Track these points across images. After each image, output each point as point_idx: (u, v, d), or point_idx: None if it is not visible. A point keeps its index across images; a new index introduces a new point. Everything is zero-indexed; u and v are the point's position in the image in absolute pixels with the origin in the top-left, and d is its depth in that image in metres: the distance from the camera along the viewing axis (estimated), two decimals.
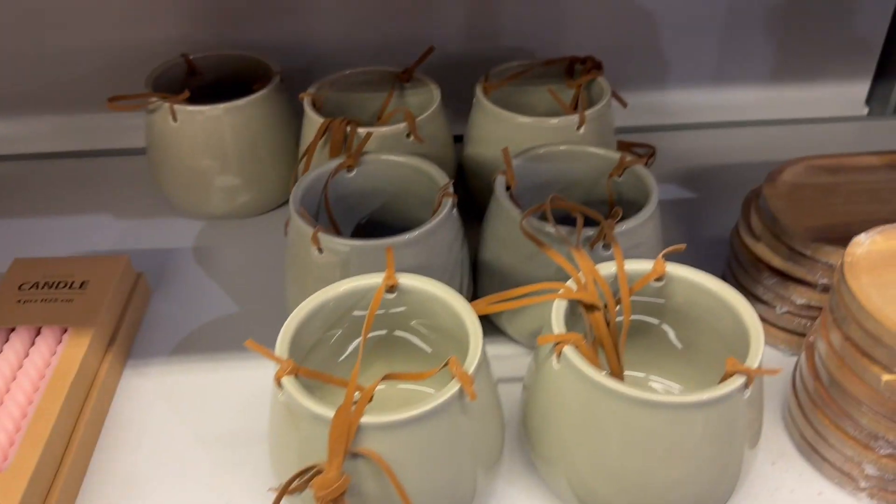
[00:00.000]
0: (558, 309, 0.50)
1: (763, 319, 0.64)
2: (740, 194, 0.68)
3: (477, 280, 0.66)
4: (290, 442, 0.47)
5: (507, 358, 0.64)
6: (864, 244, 0.52)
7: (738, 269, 0.65)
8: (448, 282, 0.61)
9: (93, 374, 0.59)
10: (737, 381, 0.44)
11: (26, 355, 0.58)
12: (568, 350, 0.47)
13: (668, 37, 0.89)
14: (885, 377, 0.47)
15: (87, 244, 0.76)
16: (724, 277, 0.65)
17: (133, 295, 0.67)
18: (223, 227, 0.79)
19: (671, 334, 0.57)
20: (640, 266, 0.53)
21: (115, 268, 0.65)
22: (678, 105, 0.94)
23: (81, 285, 0.63)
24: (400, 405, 0.44)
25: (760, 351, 0.46)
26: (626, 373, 0.59)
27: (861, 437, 0.51)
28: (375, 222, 0.69)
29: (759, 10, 0.89)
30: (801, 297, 0.60)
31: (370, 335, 0.56)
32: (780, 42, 0.92)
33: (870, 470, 0.51)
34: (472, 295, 0.67)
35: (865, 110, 0.98)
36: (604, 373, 0.45)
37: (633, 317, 0.56)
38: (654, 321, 0.56)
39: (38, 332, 0.60)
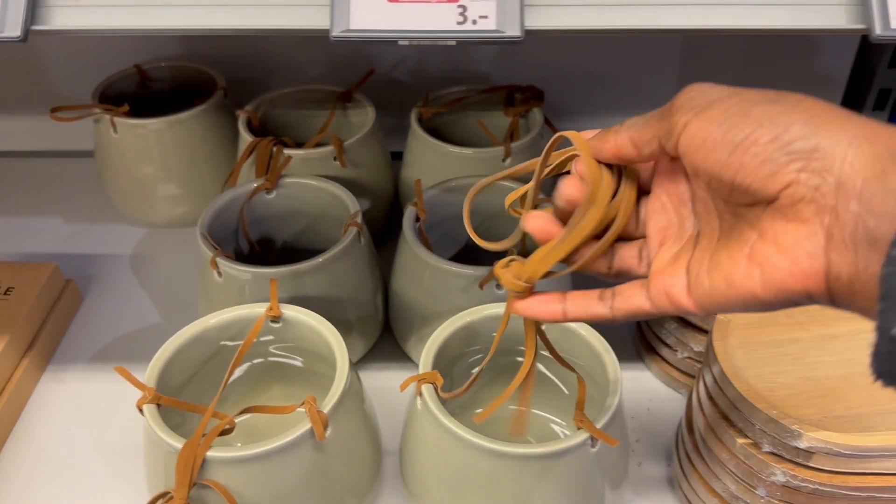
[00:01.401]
0: (428, 351, 0.51)
1: (666, 362, 0.65)
2: None
3: (388, 306, 0.68)
4: (155, 466, 0.49)
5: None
6: None
7: None
8: (356, 309, 0.63)
9: (5, 379, 0.62)
10: (580, 437, 0.45)
11: None
12: (426, 389, 0.48)
13: (626, 68, 0.89)
14: (740, 441, 0.48)
15: (27, 246, 0.79)
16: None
17: (59, 301, 0.69)
18: (162, 235, 0.81)
19: (556, 380, 0.57)
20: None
21: (41, 275, 0.68)
22: None
23: (7, 291, 0.66)
24: (280, 433, 0.45)
25: (611, 409, 0.46)
26: (534, 411, 0.59)
27: (726, 495, 0.51)
28: (301, 242, 0.71)
29: (718, 43, 0.88)
30: (697, 343, 0.60)
31: (261, 361, 0.57)
32: (742, 77, 0.90)
33: None
34: (384, 321, 0.68)
35: None
36: (455, 423, 0.46)
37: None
38: (542, 368, 0.57)
39: None
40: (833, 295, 0.28)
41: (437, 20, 0.35)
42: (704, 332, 0.60)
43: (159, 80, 0.83)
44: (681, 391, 0.64)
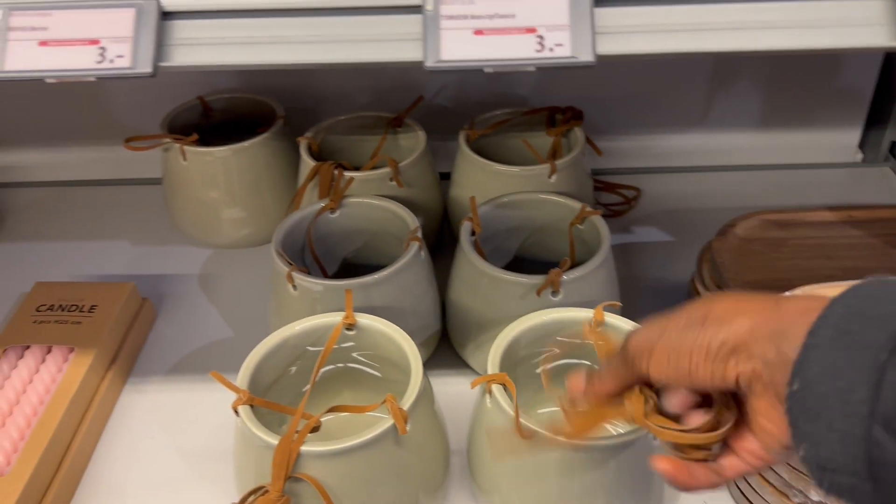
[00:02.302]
0: (495, 352, 0.55)
1: None
2: None
3: (445, 317, 0.72)
4: (247, 463, 0.53)
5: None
6: None
7: None
8: (417, 318, 0.67)
9: (93, 390, 0.66)
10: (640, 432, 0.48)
11: (36, 371, 0.66)
12: (496, 389, 0.51)
13: (659, 86, 0.93)
14: None
15: (103, 267, 0.84)
16: None
17: (137, 318, 0.74)
18: (228, 256, 0.86)
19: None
20: (579, 314, 0.58)
21: (121, 294, 0.72)
22: (667, 148, 0.98)
23: (91, 309, 0.71)
24: (355, 433, 0.49)
25: None
26: None
27: (779, 485, 0.54)
28: (360, 259, 0.75)
29: (746, 60, 0.92)
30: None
31: (330, 367, 0.62)
32: (769, 91, 0.94)
33: None
34: (442, 330, 0.72)
35: (859, 156, 0.99)
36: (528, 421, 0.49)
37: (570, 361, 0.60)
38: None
39: (48, 351, 0.68)
40: None
41: (518, 49, 0.40)
42: None
43: (220, 111, 0.88)
44: None
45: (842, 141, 0.98)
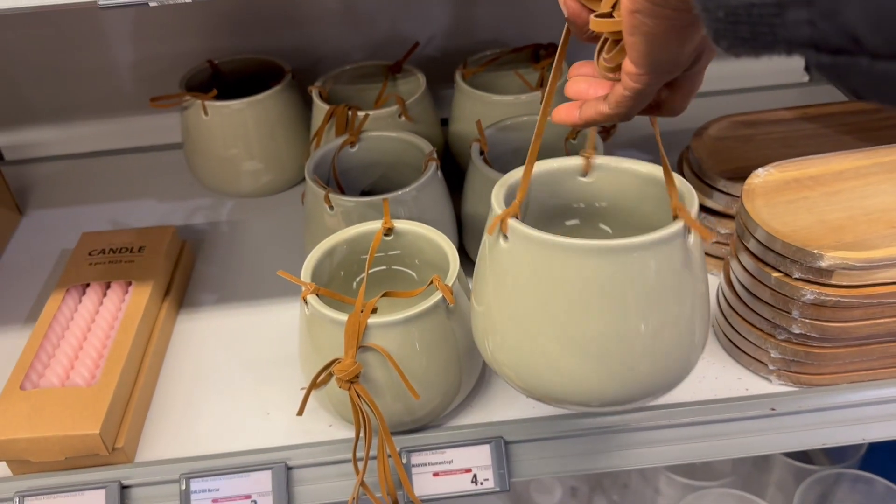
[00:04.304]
0: (497, 193, 0.52)
1: None
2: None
3: (461, 230, 0.80)
4: (314, 348, 0.61)
5: None
6: (761, 176, 0.65)
7: None
8: (439, 229, 0.75)
9: (154, 317, 0.73)
10: (679, 224, 0.46)
11: (101, 304, 0.73)
12: (513, 222, 0.48)
13: None
14: (774, 275, 0.61)
15: (137, 223, 0.91)
16: None
17: (181, 258, 0.81)
18: (250, 203, 0.93)
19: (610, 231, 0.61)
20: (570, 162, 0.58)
21: (164, 235, 0.79)
22: None
23: (139, 249, 0.78)
24: None
25: (695, 204, 0.49)
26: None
27: (765, 327, 0.64)
28: (377, 190, 0.83)
29: None
30: (723, 227, 0.74)
31: (374, 270, 0.70)
32: None
33: (774, 353, 0.64)
34: (459, 243, 0.80)
35: (806, 77, 1.11)
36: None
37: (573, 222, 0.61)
38: (596, 224, 0.60)
39: (108, 287, 0.74)
40: None
41: None
42: (726, 216, 0.73)
43: (229, 73, 0.95)
44: (713, 272, 0.77)
45: (790, 64, 1.09)
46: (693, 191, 0.50)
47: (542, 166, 0.55)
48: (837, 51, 0.25)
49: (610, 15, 0.39)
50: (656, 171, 0.52)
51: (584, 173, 0.56)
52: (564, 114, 0.42)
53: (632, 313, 0.46)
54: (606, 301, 0.46)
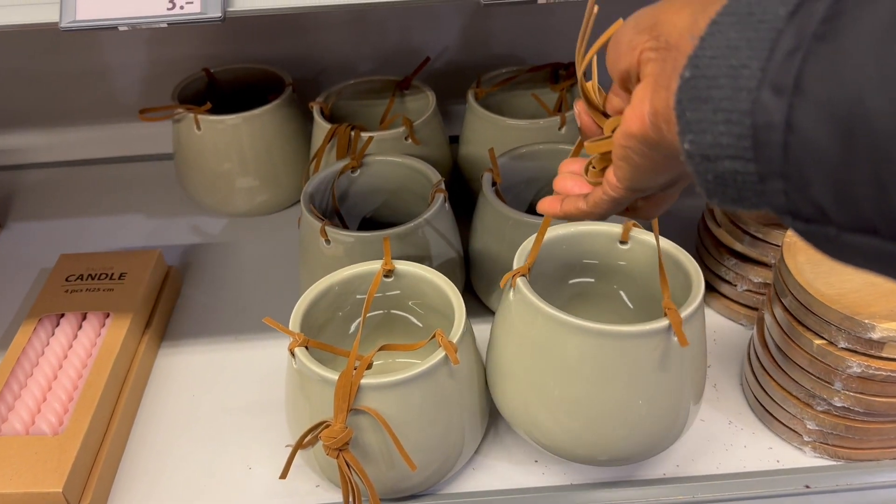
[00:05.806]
0: (521, 252, 0.56)
1: (726, 297, 0.71)
2: None
3: (469, 266, 0.74)
4: (303, 404, 0.55)
5: None
6: None
7: (704, 252, 0.72)
8: (442, 268, 0.69)
9: (132, 353, 0.68)
10: (663, 322, 0.49)
11: (75, 337, 0.67)
12: (520, 281, 0.53)
13: None
14: (816, 342, 0.54)
15: (121, 241, 0.85)
16: None
17: (165, 285, 0.75)
18: (243, 223, 0.87)
19: (624, 296, 0.63)
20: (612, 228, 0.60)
21: (148, 260, 0.73)
22: None
23: (120, 276, 0.72)
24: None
25: (698, 297, 0.51)
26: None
27: (802, 396, 0.58)
28: (378, 217, 0.77)
29: None
30: (757, 275, 0.67)
31: (371, 314, 0.64)
32: None
33: (811, 425, 0.58)
34: (466, 279, 0.74)
35: None
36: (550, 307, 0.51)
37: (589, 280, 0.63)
38: (612, 286, 0.63)
39: (83, 318, 0.69)
40: (657, 131, 0.32)
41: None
42: (761, 264, 0.67)
43: (225, 83, 0.89)
44: (742, 322, 0.71)
45: None
46: (700, 275, 0.53)
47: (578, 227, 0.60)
48: (809, 220, 0.27)
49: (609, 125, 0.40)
50: (684, 257, 0.56)
51: (624, 241, 0.60)
52: (548, 205, 0.46)
53: (613, 385, 0.51)
54: (587, 370, 0.51)
